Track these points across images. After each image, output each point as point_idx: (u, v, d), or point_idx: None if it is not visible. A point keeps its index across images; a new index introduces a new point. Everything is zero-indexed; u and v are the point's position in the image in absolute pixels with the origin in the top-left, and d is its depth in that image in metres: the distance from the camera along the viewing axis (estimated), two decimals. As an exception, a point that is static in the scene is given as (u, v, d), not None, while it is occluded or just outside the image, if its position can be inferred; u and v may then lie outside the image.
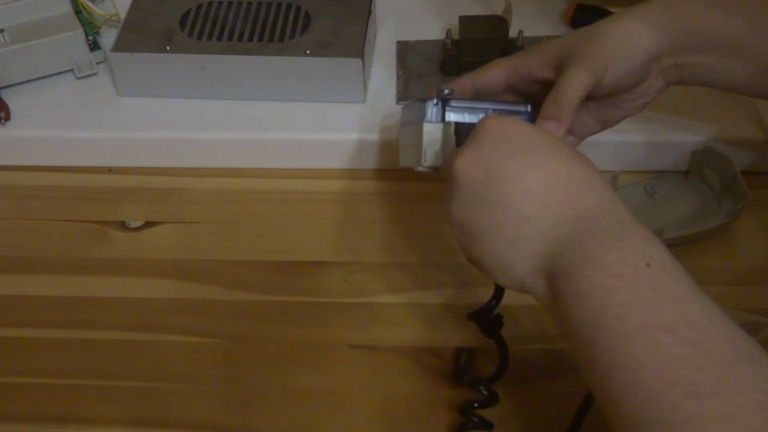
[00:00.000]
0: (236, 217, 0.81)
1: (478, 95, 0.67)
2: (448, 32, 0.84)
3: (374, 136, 0.82)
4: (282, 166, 0.84)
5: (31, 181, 0.85)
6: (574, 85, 0.60)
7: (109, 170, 0.85)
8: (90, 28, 0.87)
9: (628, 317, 0.46)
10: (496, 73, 0.66)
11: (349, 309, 0.74)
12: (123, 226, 0.81)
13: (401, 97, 0.84)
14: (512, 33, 0.84)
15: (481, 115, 0.62)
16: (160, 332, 0.73)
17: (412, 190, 0.81)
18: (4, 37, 0.85)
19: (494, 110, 0.63)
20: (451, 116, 0.62)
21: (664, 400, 0.44)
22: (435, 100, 0.62)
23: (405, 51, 0.89)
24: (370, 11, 0.87)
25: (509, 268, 0.53)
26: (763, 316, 0.66)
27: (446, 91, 0.62)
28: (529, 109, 0.64)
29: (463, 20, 0.84)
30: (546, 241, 0.51)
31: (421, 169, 0.63)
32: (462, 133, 0.60)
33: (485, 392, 0.63)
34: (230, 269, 0.77)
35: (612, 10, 0.88)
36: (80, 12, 0.87)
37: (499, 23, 0.84)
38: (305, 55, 0.82)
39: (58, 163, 0.85)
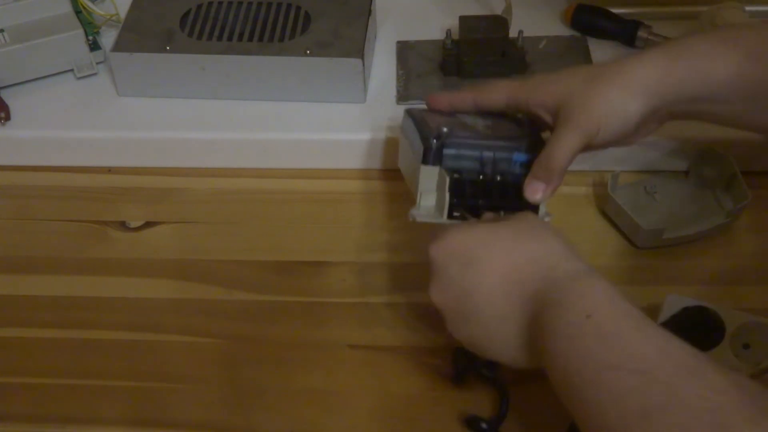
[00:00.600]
0: (236, 217, 0.81)
1: (478, 108, 0.70)
2: (448, 32, 0.84)
3: (374, 136, 0.82)
4: (282, 166, 0.84)
5: (31, 181, 0.85)
6: (565, 150, 0.63)
7: (109, 170, 0.85)
8: (90, 28, 0.87)
9: (583, 371, 0.51)
10: (497, 97, 0.69)
11: (349, 309, 0.74)
12: (123, 226, 0.81)
13: (401, 97, 0.84)
14: (512, 33, 0.84)
15: (475, 157, 0.65)
16: (160, 332, 0.73)
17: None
18: (4, 37, 0.85)
19: (490, 147, 0.65)
20: (449, 152, 0.65)
21: (621, 428, 0.48)
22: (433, 140, 0.64)
23: (405, 51, 0.89)
24: (370, 11, 0.87)
25: (513, 361, 0.59)
26: (763, 316, 0.66)
27: (444, 130, 0.65)
28: (525, 147, 0.66)
29: (463, 20, 0.84)
30: (523, 327, 0.57)
31: (411, 220, 0.66)
32: (457, 188, 0.64)
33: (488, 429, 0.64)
34: (230, 269, 0.77)
35: (612, 10, 0.88)
36: (80, 12, 0.87)
37: (499, 23, 0.84)
38: (305, 55, 0.82)
39: (58, 163, 0.85)
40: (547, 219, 0.65)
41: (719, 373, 0.48)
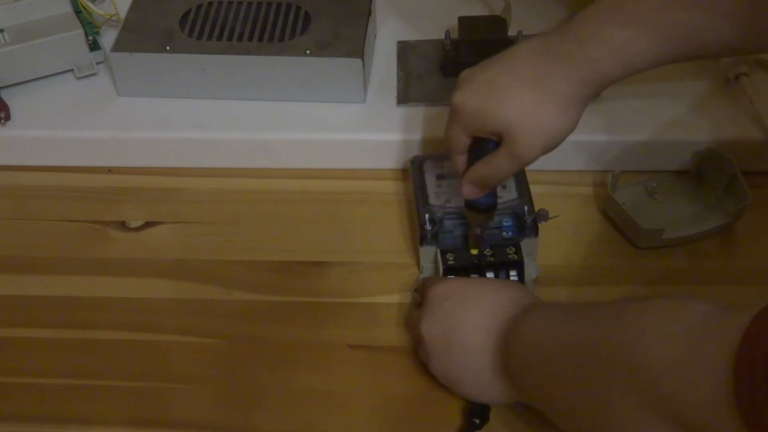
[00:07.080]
0: (236, 217, 0.81)
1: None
2: (447, 33, 0.84)
3: (374, 136, 0.82)
4: (282, 166, 0.84)
5: (31, 181, 0.85)
6: (501, 174, 0.67)
7: (109, 170, 0.85)
8: (90, 28, 0.87)
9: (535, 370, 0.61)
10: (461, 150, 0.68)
11: (349, 309, 0.74)
12: (123, 226, 0.81)
13: (401, 100, 0.84)
14: (512, 33, 0.84)
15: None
16: (160, 332, 0.73)
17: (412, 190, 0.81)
18: (4, 37, 0.85)
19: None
20: (444, 230, 0.72)
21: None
22: (428, 227, 0.72)
23: (405, 51, 0.89)
24: (370, 11, 0.87)
25: (490, 392, 0.64)
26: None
27: (439, 216, 0.72)
28: (511, 211, 0.72)
29: (462, 21, 0.84)
30: (499, 354, 0.63)
31: (413, 292, 0.73)
32: (452, 270, 0.71)
33: None
34: (230, 269, 0.77)
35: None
36: (80, 12, 0.87)
37: (498, 23, 0.84)
38: (305, 55, 0.82)
39: (58, 163, 0.85)
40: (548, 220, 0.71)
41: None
